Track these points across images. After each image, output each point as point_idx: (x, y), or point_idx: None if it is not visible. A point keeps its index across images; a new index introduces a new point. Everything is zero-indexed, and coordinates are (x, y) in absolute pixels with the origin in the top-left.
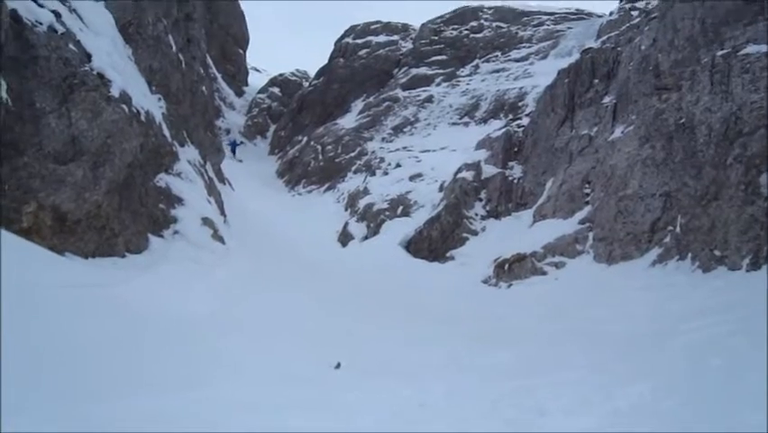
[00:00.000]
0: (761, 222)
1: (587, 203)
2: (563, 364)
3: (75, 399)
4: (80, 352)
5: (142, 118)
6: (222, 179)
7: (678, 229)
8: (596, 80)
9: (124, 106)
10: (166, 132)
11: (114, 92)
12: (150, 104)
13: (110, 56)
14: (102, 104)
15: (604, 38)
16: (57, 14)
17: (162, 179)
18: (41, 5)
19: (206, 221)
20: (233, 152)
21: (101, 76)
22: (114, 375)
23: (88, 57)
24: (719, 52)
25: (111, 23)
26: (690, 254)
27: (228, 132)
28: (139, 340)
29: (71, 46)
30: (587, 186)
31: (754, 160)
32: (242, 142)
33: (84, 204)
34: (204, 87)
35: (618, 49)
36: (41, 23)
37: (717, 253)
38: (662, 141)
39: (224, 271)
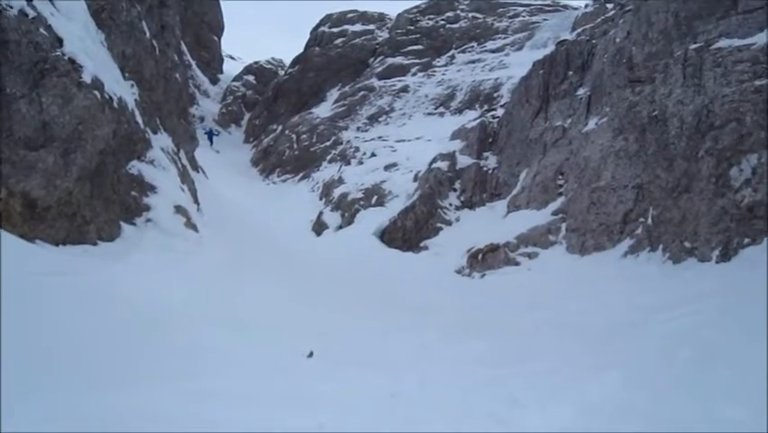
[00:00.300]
0: (731, 214)
1: (560, 194)
2: (536, 355)
3: (55, 393)
4: (55, 342)
5: (115, 105)
6: (195, 167)
7: (649, 221)
8: (570, 72)
9: (96, 92)
10: (139, 119)
11: (86, 78)
12: (122, 90)
13: (82, 41)
14: (73, 89)
15: (579, 30)
16: None
17: (135, 167)
18: None
19: (179, 209)
20: (210, 141)
21: (72, 61)
22: (92, 366)
23: (60, 42)
24: (692, 46)
25: (83, 8)
26: (661, 246)
27: (202, 119)
28: (113, 330)
29: (42, 30)
30: (560, 177)
31: (725, 153)
32: (218, 133)
33: (55, 191)
34: (178, 75)
35: (593, 41)
36: (11, 7)
37: (687, 244)
38: (635, 133)
39: (197, 260)
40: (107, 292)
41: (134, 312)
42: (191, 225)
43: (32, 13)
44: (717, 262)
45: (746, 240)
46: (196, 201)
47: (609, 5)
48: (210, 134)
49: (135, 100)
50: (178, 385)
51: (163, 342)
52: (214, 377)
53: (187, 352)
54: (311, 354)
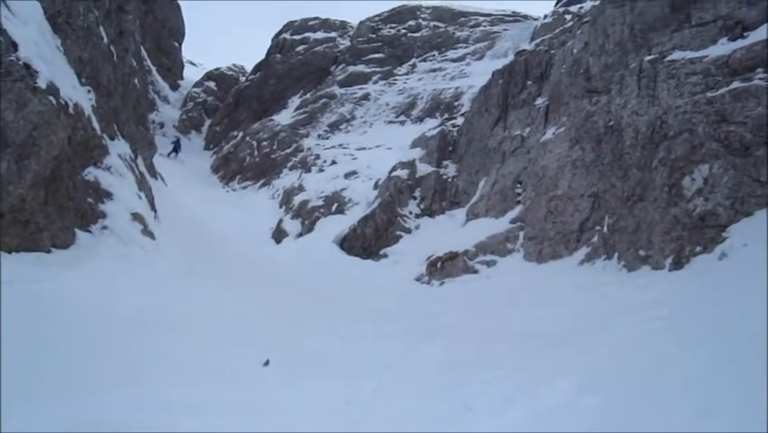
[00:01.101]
0: (683, 223)
1: (518, 202)
2: (492, 362)
3: (8, 402)
4: (6, 350)
5: (71, 110)
6: (154, 174)
7: (605, 229)
8: (529, 82)
9: (52, 98)
10: (95, 124)
11: (41, 83)
12: (79, 96)
13: (37, 46)
14: (28, 95)
15: (538, 40)
16: None
17: (91, 173)
18: None
19: (136, 216)
20: (176, 151)
21: (27, 66)
22: (38, 375)
23: (15, 46)
24: (647, 57)
25: (39, 12)
26: (616, 254)
27: (162, 125)
28: (65, 338)
29: None
30: (518, 186)
31: (678, 163)
32: (180, 148)
33: (8, 197)
34: (136, 80)
35: (552, 51)
36: None
37: (641, 252)
38: (592, 143)
39: (153, 268)
40: (60, 300)
41: (87, 320)
42: (148, 232)
43: None
44: (669, 270)
45: (698, 248)
46: (153, 208)
47: (568, 16)
48: (176, 144)
49: (92, 106)
50: (128, 392)
51: (115, 349)
52: (166, 385)
53: (140, 359)
54: (267, 363)
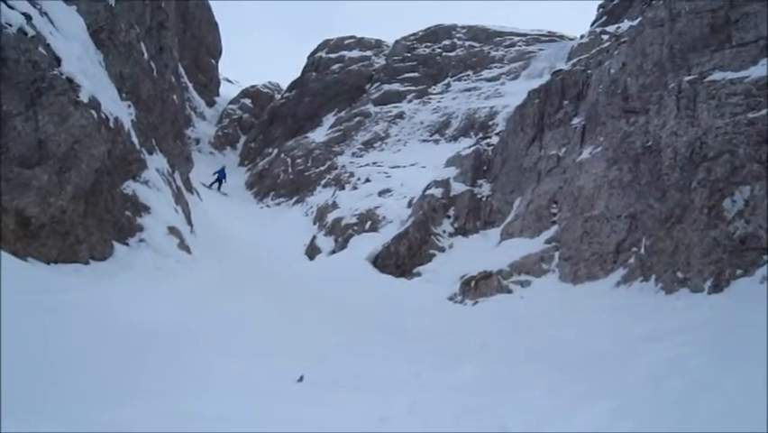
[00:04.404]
0: (723, 246)
1: (554, 223)
2: (526, 383)
3: (32, 410)
4: (40, 360)
5: (111, 124)
6: (190, 189)
7: (642, 251)
8: (565, 102)
9: (93, 112)
10: (135, 139)
11: (83, 97)
12: (119, 110)
13: (80, 61)
14: (70, 108)
15: (574, 60)
16: (27, 17)
17: (129, 187)
18: (11, 7)
19: (173, 230)
20: (219, 183)
21: (70, 80)
22: (74, 385)
23: (58, 61)
24: (686, 78)
25: (82, 28)
26: (653, 276)
27: (198, 141)
28: (100, 349)
29: (41, 49)
30: (554, 206)
31: (718, 184)
32: (222, 180)
33: (48, 209)
34: (175, 96)
35: (588, 71)
36: (10, 25)
37: (680, 275)
38: (629, 163)
39: (189, 282)
40: (96, 312)
41: (122, 331)
42: (184, 246)
43: (31, 32)
44: (709, 293)
45: (739, 271)
46: (189, 223)
47: (605, 36)
48: (221, 175)
49: (132, 120)
50: (153, 403)
51: (145, 360)
52: (198, 398)
53: (170, 371)
54: (301, 379)
